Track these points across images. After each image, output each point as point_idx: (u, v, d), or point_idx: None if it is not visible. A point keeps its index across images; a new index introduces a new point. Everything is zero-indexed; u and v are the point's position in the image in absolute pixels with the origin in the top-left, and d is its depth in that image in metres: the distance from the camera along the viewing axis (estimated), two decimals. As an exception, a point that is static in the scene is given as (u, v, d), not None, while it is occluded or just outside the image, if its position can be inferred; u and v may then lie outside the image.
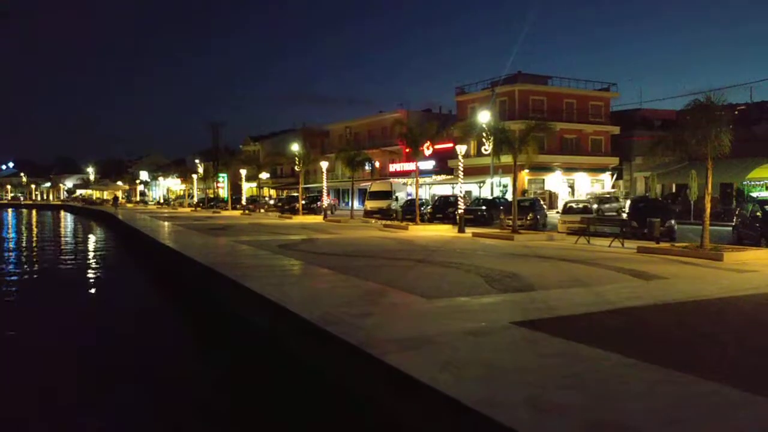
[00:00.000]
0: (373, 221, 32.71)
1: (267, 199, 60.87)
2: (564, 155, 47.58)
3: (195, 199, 69.73)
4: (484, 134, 26.75)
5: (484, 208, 30.44)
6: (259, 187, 61.68)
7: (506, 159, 25.99)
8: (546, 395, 4.78)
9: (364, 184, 50.33)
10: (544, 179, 48.00)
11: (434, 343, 6.45)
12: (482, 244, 19.37)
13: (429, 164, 46.55)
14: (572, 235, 20.95)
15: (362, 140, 59.42)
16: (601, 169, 50.62)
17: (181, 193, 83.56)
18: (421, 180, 34.08)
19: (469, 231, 23.53)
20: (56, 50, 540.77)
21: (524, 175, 43.54)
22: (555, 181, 47.96)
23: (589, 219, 22.08)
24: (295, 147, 47.37)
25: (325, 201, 40.24)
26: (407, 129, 31.07)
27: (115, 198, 76.10)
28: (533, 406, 4.55)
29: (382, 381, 5.77)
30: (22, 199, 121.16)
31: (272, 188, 71.08)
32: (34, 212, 76.94)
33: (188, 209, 59.58)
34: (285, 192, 64.54)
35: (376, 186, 42.59)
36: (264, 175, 61.21)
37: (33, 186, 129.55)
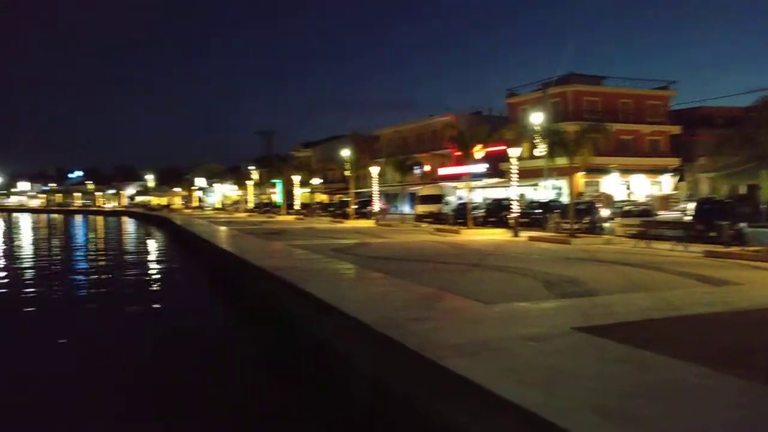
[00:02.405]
0: (425, 225, 32.63)
1: (319, 205, 61.60)
2: (620, 156, 46.15)
3: (250, 205, 71.41)
4: (537, 136, 26.29)
5: (538, 211, 29.83)
6: (312, 192, 62.61)
7: (560, 161, 25.44)
8: (613, 403, 4.62)
9: (414, 188, 50.29)
10: (599, 181, 46.68)
11: (493, 348, 6.35)
12: (538, 248, 18.99)
13: (480, 167, 45.92)
14: (632, 238, 20.28)
15: (411, 144, 59.42)
16: (660, 171, 48.82)
17: (237, 198, 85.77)
18: (472, 183, 33.74)
19: (524, 235, 23.13)
20: (117, 65, 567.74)
21: (579, 178, 42.45)
22: (611, 184, 46.57)
23: (649, 222, 21.35)
24: (345, 152, 47.83)
25: (376, 205, 40.40)
26: (458, 132, 30.85)
27: (167, 204, 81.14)
28: (600, 414, 4.40)
29: (441, 386, 5.72)
30: (89, 205, 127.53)
31: (324, 193, 71.97)
32: (99, 218, 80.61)
33: (244, 214, 61.08)
34: (336, 197, 65.18)
35: (426, 190, 42.45)
36: (316, 181, 62.11)
37: (99, 193, 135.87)
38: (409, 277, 11.86)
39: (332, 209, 51.40)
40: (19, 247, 35.61)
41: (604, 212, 29.64)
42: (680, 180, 49.22)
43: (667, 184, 49.01)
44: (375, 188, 40.77)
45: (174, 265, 25.07)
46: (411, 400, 6.14)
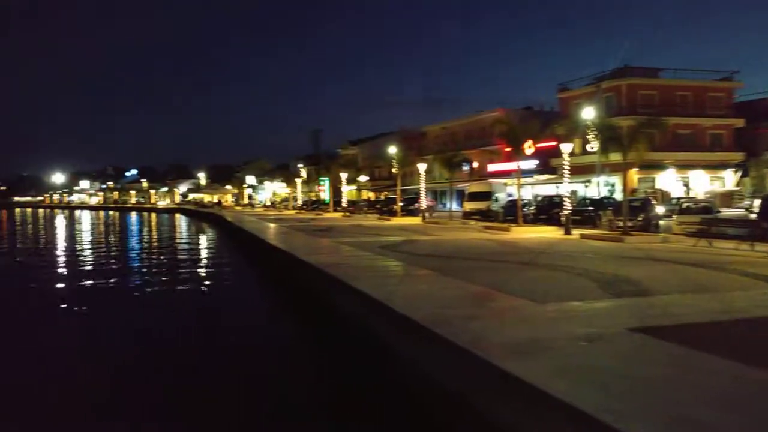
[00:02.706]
0: (473, 223, 32.31)
1: (366, 202, 61.88)
2: (678, 152, 44.43)
3: (299, 202, 72.48)
4: (590, 131, 25.60)
5: (591, 208, 29.05)
6: (358, 189, 62.93)
7: (614, 157, 24.69)
8: (680, 410, 4.42)
9: (462, 185, 49.85)
10: (654, 178, 45.10)
11: (546, 348, 6.21)
12: (591, 246, 18.49)
13: (530, 164, 45.22)
14: (691, 237, 19.48)
15: (460, 141, 58.90)
16: (722, 166, 46.71)
17: (286, 196, 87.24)
18: (522, 180, 33.17)
19: (576, 232, 22.56)
20: (165, 64, 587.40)
21: (633, 174, 41.12)
22: (667, 180, 44.92)
23: (710, 220, 20.45)
24: (391, 149, 47.85)
25: (423, 203, 40.24)
26: (507, 128, 30.37)
27: (219, 201, 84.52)
28: (667, 420, 4.22)
29: (494, 385, 5.63)
30: (143, 202, 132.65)
31: (371, 190, 72.31)
32: (153, 215, 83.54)
33: (292, 211, 61.99)
34: (383, 194, 65.37)
35: (475, 187, 42.00)
36: (363, 178, 62.37)
37: (153, 191, 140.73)
38: (458, 275, 11.75)
39: (379, 206, 51.54)
40: (81, 244, 37.27)
41: (660, 209, 28.63)
42: (744, 175, 46.94)
43: (729, 179, 46.87)
44: (422, 185, 40.62)
45: (224, 261, 25.67)
46: (463, 398, 6.09)
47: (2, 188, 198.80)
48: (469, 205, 38.67)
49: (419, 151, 54.96)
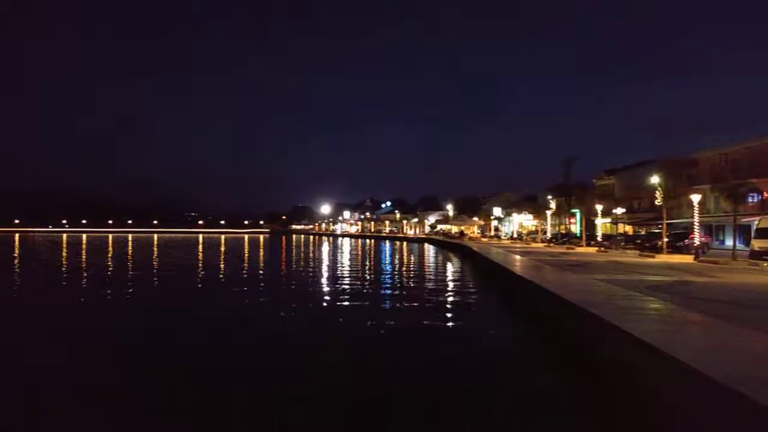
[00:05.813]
0: (765, 264, 26.95)
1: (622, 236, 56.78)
2: None
3: (548, 235, 69.98)
4: None
5: None
6: (614, 222, 58.16)
7: None
8: None
9: (745, 219, 42.37)
10: None
11: None
12: None
13: None
14: None
15: (741, 168, 50.38)
16: None
17: (533, 228, 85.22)
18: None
19: None
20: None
21: None
22: None
23: None
24: (655, 179, 43.15)
25: (697, 239, 35.11)
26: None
27: (461, 232, 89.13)
28: None
29: None
30: (396, 232, 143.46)
31: (628, 224, 66.21)
32: (404, 244, 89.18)
33: (541, 244, 60.03)
34: (643, 228, 59.26)
35: (766, 221, 35.22)
36: (619, 210, 57.56)
37: (404, 222, 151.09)
38: (756, 326, 9.56)
39: (640, 242, 46.68)
40: (341, 265, 41.32)
41: None
42: None
43: None
44: (695, 219, 35.52)
45: (471, 290, 25.59)
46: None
47: (283, 217, 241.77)
48: (758, 243, 32.38)
49: (689, 181, 48.66)
